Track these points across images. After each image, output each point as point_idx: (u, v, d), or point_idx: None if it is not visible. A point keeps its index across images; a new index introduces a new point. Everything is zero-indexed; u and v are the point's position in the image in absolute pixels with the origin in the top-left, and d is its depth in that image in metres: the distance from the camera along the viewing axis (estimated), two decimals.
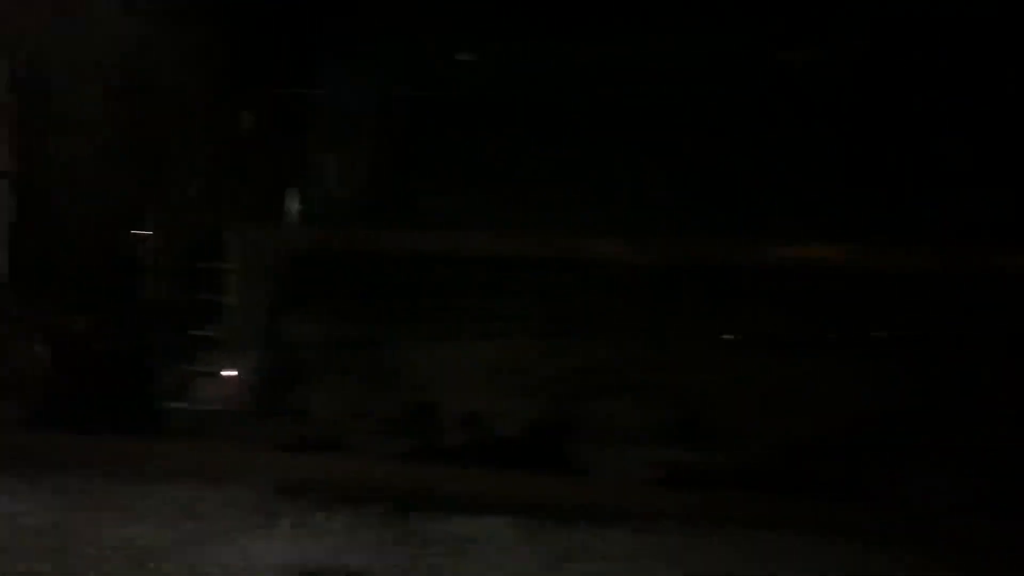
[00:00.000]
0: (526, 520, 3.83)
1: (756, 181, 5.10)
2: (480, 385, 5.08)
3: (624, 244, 5.02)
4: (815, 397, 4.95)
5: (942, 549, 3.80)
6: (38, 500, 3.96)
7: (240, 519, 3.82)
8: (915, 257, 4.94)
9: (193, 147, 5.28)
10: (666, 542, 3.73)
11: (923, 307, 4.94)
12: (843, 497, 4.53)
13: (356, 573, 3.32)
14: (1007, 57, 4.92)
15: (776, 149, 5.08)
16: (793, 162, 5.05)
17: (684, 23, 5.04)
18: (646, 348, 5.08)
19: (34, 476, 4.22)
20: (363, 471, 4.53)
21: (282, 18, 5.34)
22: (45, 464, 4.35)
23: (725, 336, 5.11)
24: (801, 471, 4.73)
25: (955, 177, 4.93)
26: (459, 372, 5.11)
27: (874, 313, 5.11)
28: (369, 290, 5.33)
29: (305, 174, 5.61)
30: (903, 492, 4.50)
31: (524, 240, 5.12)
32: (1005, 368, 4.78)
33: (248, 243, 5.38)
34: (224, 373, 5.21)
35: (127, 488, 4.15)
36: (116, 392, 4.97)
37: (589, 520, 3.88)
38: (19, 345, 5.09)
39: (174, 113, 5.14)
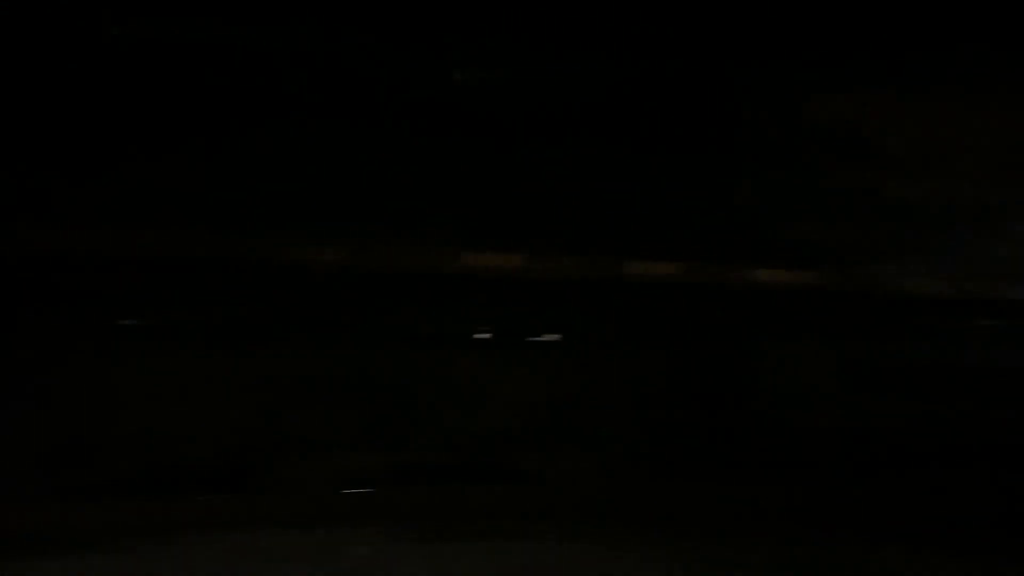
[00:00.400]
0: None
1: (436, 190, 5.29)
2: (155, 406, 4.70)
3: (304, 247, 4.90)
4: (494, 394, 5.37)
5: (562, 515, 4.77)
6: None
7: None
8: (569, 265, 5.41)
9: None
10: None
11: (570, 309, 5.60)
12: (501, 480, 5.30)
13: None
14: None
15: (452, 160, 5.31)
16: (468, 173, 5.32)
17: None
18: (335, 354, 5.04)
19: None
20: None
21: None
22: None
23: (411, 339, 5.24)
24: (480, 462, 5.31)
25: (601, 191, 5.56)
26: (128, 393, 4.68)
27: (537, 316, 5.56)
28: None
29: None
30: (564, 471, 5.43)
31: (192, 240, 4.73)
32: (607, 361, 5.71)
33: None
34: None
35: None
36: None
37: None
38: None
39: None
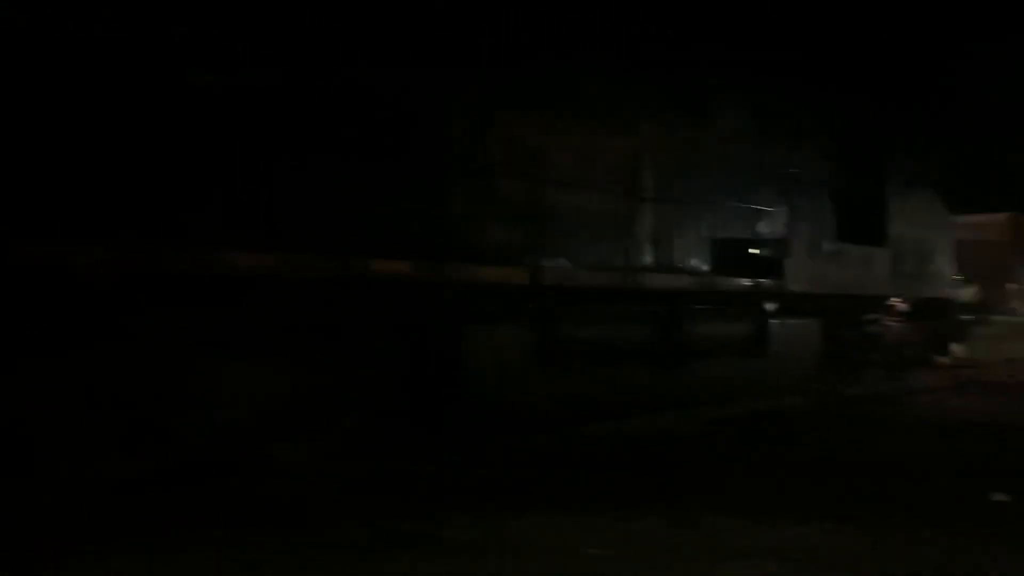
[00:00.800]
0: None
1: (194, 192, 5.40)
2: None
3: (58, 247, 4.82)
4: (253, 393, 5.59)
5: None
6: None
7: None
8: (331, 265, 5.84)
9: None
10: None
11: (333, 306, 5.97)
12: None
13: None
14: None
15: (211, 164, 5.44)
16: (231, 177, 5.51)
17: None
18: (97, 358, 4.99)
19: None
20: None
21: None
22: None
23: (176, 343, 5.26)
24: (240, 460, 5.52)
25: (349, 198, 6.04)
26: None
27: (297, 313, 5.85)
28: None
29: None
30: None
31: None
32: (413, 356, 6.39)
33: None
34: None
35: None
36: None
37: None
38: None
39: None
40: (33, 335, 4.85)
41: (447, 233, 6.65)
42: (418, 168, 6.54)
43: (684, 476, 6.18)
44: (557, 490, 5.63)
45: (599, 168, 7.94)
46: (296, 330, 5.87)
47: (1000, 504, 5.40)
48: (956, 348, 12.80)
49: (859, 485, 5.97)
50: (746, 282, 8.95)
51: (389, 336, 6.37)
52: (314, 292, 5.90)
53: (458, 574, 4.10)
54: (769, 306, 9.33)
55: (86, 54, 5.07)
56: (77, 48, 5.03)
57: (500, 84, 7.18)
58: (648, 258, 8.34)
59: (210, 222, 5.44)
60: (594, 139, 7.88)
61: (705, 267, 8.77)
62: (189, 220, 5.35)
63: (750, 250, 9.12)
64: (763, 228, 9.43)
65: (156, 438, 5.24)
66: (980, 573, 4.23)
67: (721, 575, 4.21)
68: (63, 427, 4.90)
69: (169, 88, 5.33)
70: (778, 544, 4.61)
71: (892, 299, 11.64)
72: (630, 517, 4.99)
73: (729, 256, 8.98)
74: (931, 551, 4.51)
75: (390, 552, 4.32)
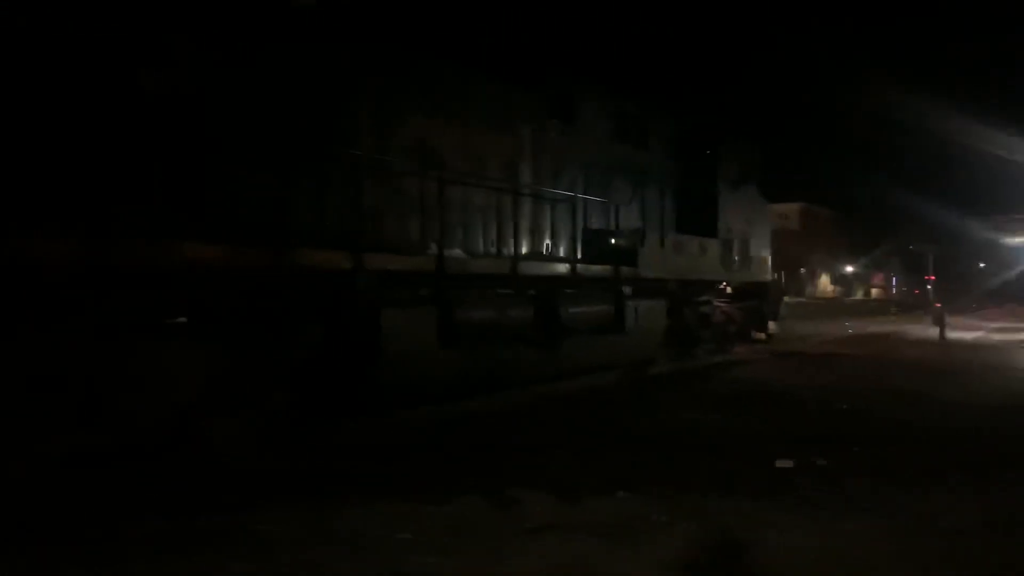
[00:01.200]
0: None
1: (142, 188, 5.66)
2: None
3: (12, 242, 5.06)
4: (190, 376, 5.82)
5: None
6: None
7: None
8: (264, 256, 6.21)
9: None
10: None
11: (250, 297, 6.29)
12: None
13: None
14: None
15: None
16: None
17: None
18: (40, 341, 5.20)
19: None
20: None
21: None
22: None
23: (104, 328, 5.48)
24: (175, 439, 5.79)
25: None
26: None
27: (233, 301, 6.17)
28: None
29: None
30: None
31: None
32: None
33: None
34: None
35: None
36: None
37: None
38: None
39: None
40: None
41: (363, 226, 7.19)
42: (336, 168, 7.09)
43: (516, 453, 6.41)
44: (396, 475, 5.75)
45: (487, 167, 8.77)
46: (232, 317, 6.22)
47: (784, 470, 6.10)
48: (771, 325, 14.40)
49: (668, 456, 6.39)
50: (609, 268, 9.99)
51: (315, 321, 6.81)
52: (248, 281, 6.29)
53: (251, 571, 4.09)
54: (627, 289, 10.39)
55: (35, 59, 5.34)
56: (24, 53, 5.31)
57: (404, 94, 7.89)
58: (528, 247, 9.25)
59: (157, 217, 5.73)
60: (482, 141, 8.70)
61: (576, 255, 9.77)
62: (138, 216, 5.63)
63: (612, 240, 10.17)
64: (622, 220, 10.53)
65: (87, 420, 5.43)
66: (768, 535, 4.65)
67: (530, 553, 4.32)
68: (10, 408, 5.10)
69: (115, 96, 5.65)
70: (587, 518, 4.79)
71: (722, 283, 13.08)
72: (453, 499, 5.10)
73: (595, 245, 10.02)
74: (726, 516, 4.92)
75: (191, 547, 4.30)
